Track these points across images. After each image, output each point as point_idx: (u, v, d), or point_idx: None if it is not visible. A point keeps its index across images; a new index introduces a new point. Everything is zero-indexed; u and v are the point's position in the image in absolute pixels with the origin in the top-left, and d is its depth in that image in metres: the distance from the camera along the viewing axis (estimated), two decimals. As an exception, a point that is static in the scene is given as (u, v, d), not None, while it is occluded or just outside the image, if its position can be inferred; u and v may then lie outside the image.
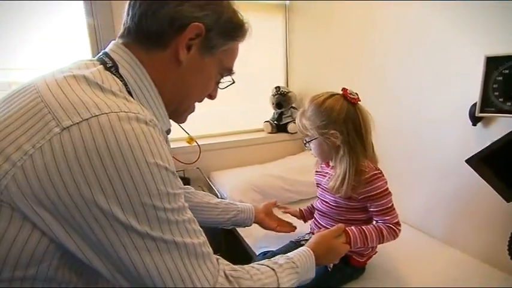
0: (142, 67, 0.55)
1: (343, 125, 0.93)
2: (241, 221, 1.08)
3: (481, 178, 0.97)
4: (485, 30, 1.03)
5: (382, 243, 0.95)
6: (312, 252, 0.78)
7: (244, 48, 2.04)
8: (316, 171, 1.14)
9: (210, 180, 1.79)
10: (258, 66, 2.11)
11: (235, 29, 0.61)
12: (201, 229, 0.53)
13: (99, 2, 1.55)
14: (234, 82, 0.70)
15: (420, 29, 1.26)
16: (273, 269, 0.65)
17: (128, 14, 0.57)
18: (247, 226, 1.11)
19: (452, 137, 1.18)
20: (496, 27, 1.00)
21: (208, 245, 0.53)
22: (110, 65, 0.54)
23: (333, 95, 0.97)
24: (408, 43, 1.32)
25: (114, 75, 0.53)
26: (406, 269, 1.06)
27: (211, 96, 0.69)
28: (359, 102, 0.96)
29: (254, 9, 2.03)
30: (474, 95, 1.05)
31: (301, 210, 1.24)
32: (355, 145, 0.94)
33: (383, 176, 0.96)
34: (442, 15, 1.16)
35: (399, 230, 0.95)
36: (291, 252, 0.77)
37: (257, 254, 1.18)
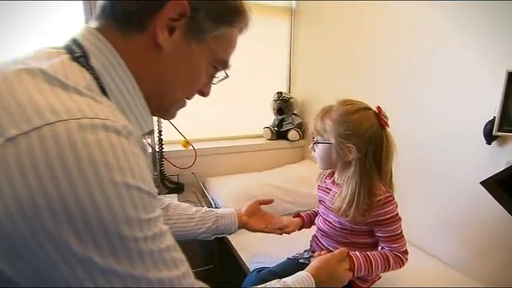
0: (118, 55, 0.46)
1: (365, 144, 0.86)
2: (223, 228, 0.95)
3: (492, 200, 0.91)
4: (504, 45, 0.97)
5: (387, 271, 0.88)
6: (312, 279, 0.71)
7: (247, 51, 1.96)
8: (319, 186, 1.07)
9: (205, 187, 1.71)
10: (261, 70, 2.05)
11: (230, 12, 0.51)
12: (182, 257, 0.43)
13: (98, 2, 1.50)
14: (228, 76, 0.60)
15: (435, 39, 1.20)
16: None
17: None
18: (232, 233, 0.99)
19: (464, 155, 1.12)
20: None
21: (191, 274, 0.44)
22: (78, 54, 0.44)
23: (366, 108, 0.90)
24: (421, 53, 1.26)
25: (84, 67, 0.43)
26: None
27: (203, 93, 0.59)
28: (387, 127, 0.89)
29: (259, 12, 1.97)
30: (489, 112, 0.99)
31: (302, 217, 1.13)
32: (370, 168, 0.87)
33: (394, 199, 0.90)
34: (458, 25, 1.11)
35: (406, 259, 0.90)
36: (290, 278, 0.70)
37: (251, 270, 1.11)
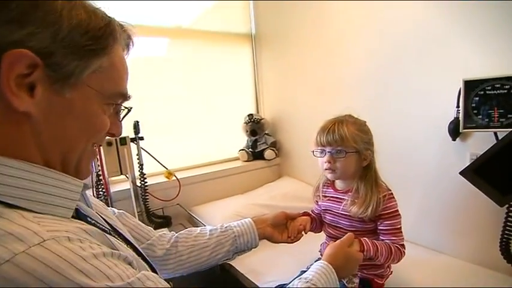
0: None
1: (372, 148, 1.00)
2: (244, 245, 0.85)
3: (464, 187, 1.07)
4: (459, 54, 1.18)
5: (388, 261, 0.95)
6: (331, 267, 0.71)
7: (213, 78, 2.04)
8: (323, 197, 1.10)
9: (195, 216, 1.66)
10: (228, 95, 2.10)
11: (94, 39, 0.41)
12: None
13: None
14: (130, 110, 0.52)
15: (394, 53, 1.39)
16: None
17: None
18: (253, 248, 0.88)
19: (434, 151, 1.29)
20: (470, 52, 1.15)
21: None
22: None
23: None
24: (381, 67, 1.44)
25: None
26: (415, 284, 1.10)
27: (113, 134, 0.50)
28: None
29: (221, 40, 2.05)
30: (451, 113, 1.18)
31: (310, 214, 1.11)
32: (375, 167, 1.01)
33: (394, 197, 1.00)
34: (419, 36, 1.29)
35: (404, 253, 0.97)
36: (310, 272, 0.69)
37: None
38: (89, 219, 0.46)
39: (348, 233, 0.87)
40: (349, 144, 0.96)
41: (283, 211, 0.96)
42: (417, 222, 1.38)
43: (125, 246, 0.50)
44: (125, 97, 0.49)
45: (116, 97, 0.47)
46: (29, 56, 0.36)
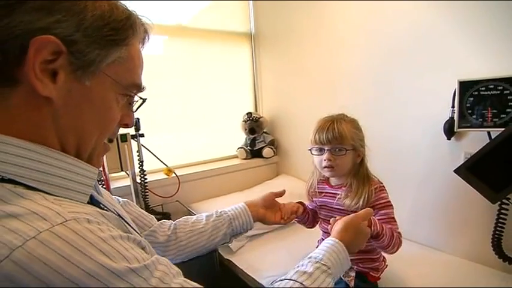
0: (2, 136, 0.38)
1: (364, 144, 1.04)
2: (239, 227, 0.88)
3: (458, 185, 1.11)
4: (454, 55, 1.21)
5: (391, 243, 0.93)
6: (342, 244, 0.70)
7: (213, 76, 2.04)
8: (319, 193, 1.12)
9: (194, 213, 1.68)
10: (227, 93, 2.12)
11: (116, 30, 0.43)
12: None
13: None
14: (144, 100, 0.54)
15: (390, 53, 1.41)
16: (302, 285, 0.58)
17: None
18: (249, 230, 0.91)
19: (429, 150, 1.32)
20: (465, 53, 1.18)
21: None
22: None
23: None
24: (378, 67, 1.47)
25: None
26: (409, 279, 1.13)
27: (126, 125, 0.52)
28: None
29: (221, 39, 2.07)
30: (445, 113, 1.21)
31: (306, 209, 1.13)
32: (366, 163, 1.04)
33: (385, 189, 1.03)
34: (412, 36, 1.32)
35: (401, 242, 0.98)
36: (318, 250, 0.69)
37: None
38: (102, 206, 0.47)
39: (367, 209, 0.86)
40: (348, 142, 0.99)
41: (271, 191, 0.99)
42: (412, 220, 1.41)
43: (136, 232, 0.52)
44: (140, 88, 0.50)
45: (131, 87, 0.49)
46: (54, 43, 0.38)
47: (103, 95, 0.45)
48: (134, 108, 0.53)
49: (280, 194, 1.00)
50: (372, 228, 0.87)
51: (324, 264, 0.64)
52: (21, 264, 0.31)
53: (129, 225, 0.53)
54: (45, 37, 0.37)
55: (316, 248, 1.05)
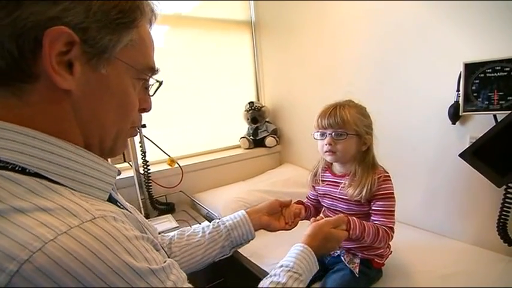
0: (29, 129, 0.38)
1: (371, 132, 1.02)
2: (239, 238, 0.83)
3: (463, 169, 1.10)
4: (459, 38, 1.18)
5: (375, 243, 0.94)
6: (310, 249, 0.73)
7: (214, 65, 2.01)
8: (322, 182, 1.11)
9: (198, 202, 1.69)
10: (229, 82, 2.10)
11: (124, 12, 0.42)
12: None
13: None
14: (161, 83, 0.53)
15: (394, 38, 1.38)
16: None
17: None
18: (250, 240, 0.86)
19: (435, 135, 1.30)
20: (470, 35, 1.15)
21: None
22: None
23: None
24: (381, 53, 1.44)
25: None
26: (414, 265, 1.12)
27: (145, 109, 0.52)
28: None
29: (221, 28, 2.04)
30: (450, 97, 1.19)
31: (308, 207, 1.14)
32: (373, 153, 1.03)
33: (391, 179, 1.01)
34: (418, 23, 1.29)
35: (392, 237, 0.98)
36: (288, 258, 0.71)
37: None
38: (119, 204, 0.48)
39: (340, 214, 0.89)
40: (350, 127, 0.97)
41: (276, 199, 0.95)
42: (417, 205, 1.41)
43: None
44: (154, 70, 0.49)
45: (146, 71, 0.48)
46: (67, 33, 0.37)
47: (120, 82, 0.44)
48: (152, 91, 0.53)
49: (287, 204, 0.96)
50: (351, 232, 0.88)
51: (295, 272, 0.67)
52: (53, 257, 0.31)
53: (144, 227, 0.53)
54: (58, 28, 0.36)
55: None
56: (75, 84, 0.39)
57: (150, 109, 0.53)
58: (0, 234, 0.32)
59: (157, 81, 0.52)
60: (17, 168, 0.36)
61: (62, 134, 0.40)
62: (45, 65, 0.37)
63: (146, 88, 0.51)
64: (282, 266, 0.69)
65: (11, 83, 0.37)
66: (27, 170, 0.37)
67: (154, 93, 0.53)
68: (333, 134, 0.99)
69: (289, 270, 0.67)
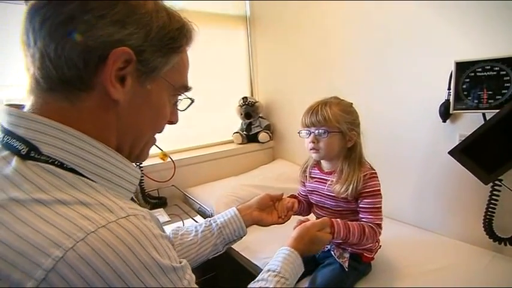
0: (71, 129, 0.41)
1: (357, 129, 1.01)
2: (231, 235, 0.87)
3: (453, 167, 1.13)
4: (450, 37, 1.19)
5: (361, 241, 0.96)
6: (296, 253, 0.76)
7: (208, 60, 1.99)
8: (310, 178, 1.12)
9: (190, 197, 1.68)
10: (222, 77, 2.09)
11: (175, 39, 0.48)
12: None
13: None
14: (193, 101, 0.58)
15: (386, 35, 1.39)
16: None
17: (27, 54, 0.42)
18: (243, 236, 0.89)
19: (425, 133, 1.32)
20: (461, 35, 1.16)
21: None
22: (24, 149, 0.40)
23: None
24: (374, 50, 1.45)
25: (38, 160, 0.39)
26: (402, 259, 1.14)
27: (172, 122, 0.57)
28: None
29: (216, 22, 2.02)
30: (440, 96, 1.20)
31: (301, 201, 1.14)
32: (360, 148, 1.02)
33: (377, 177, 1.02)
34: (411, 22, 1.31)
35: (379, 233, 0.99)
36: (275, 262, 0.73)
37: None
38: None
39: (323, 218, 0.90)
40: (332, 124, 0.98)
41: (267, 193, 0.97)
42: (406, 201, 1.43)
43: None
44: (187, 89, 0.55)
45: (182, 88, 0.54)
46: (128, 53, 0.42)
47: (160, 97, 0.50)
48: (183, 107, 0.58)
49: (278, 197, 0.99)
50: (335, 235, 0.89)
51: (282, 277, 0.69)
52: (94, 247, 0.34)
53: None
54: (122, 49, 0.42)
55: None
56: (124, 95, 0.44)
57: (177, 122, 0.58)
58: (47, 223, 0.35)
59: (190, 98, 0.57)
60: (56, 162, 0.40)
61: (100, 137, 0.44)
62: (105, 77, 0.42)
63: (175, 103, 0.56)
64: (269, 271, 0.71)
65: (69, 90, 0.42)
66: (65, 165, 0.40)
67: (185, 109, 0.59)
68: (316, 132, 1.00)
69: (276, 275, 0.69)
